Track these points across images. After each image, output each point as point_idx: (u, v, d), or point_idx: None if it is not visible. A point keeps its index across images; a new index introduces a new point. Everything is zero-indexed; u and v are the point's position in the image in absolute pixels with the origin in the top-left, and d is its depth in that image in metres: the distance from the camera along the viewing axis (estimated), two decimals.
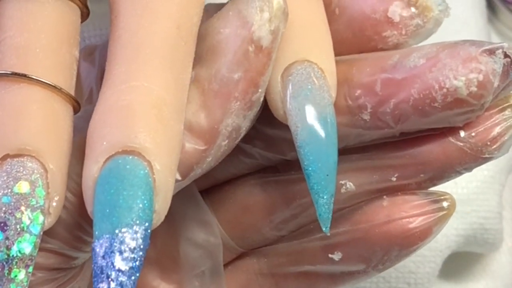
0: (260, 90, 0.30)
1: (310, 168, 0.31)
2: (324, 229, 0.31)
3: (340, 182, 0.34)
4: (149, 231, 0.26)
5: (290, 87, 0.30)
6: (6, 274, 0.26)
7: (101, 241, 0.26)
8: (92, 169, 0.27)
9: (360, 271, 0.36)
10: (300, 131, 0.31)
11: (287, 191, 0.36)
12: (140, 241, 0.26)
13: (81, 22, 0.29)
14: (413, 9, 0.31)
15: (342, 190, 0.34)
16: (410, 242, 0.34)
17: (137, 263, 0.26)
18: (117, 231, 0.26)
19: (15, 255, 0.26)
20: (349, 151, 0.34)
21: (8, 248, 0.26)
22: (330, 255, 0.36)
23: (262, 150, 0.35)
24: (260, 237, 0.37)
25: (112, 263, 0.25)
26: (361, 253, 0.35)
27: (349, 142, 0.33)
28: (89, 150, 0.27)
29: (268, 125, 0.31)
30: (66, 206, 0.28)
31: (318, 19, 0.31)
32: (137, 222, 0.26)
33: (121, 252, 0.26)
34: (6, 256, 0.26)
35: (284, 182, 0.36)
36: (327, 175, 0.31)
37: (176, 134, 0.28)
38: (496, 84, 0.30)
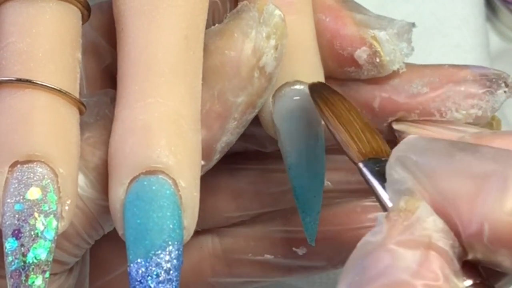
0: (256, 111, 0.30)
1: (298, 189, 0.32)
2: (310, 241, 0.33)
3: None
4: (181, 250, 0.26)
5: (282, 108, 0.31)
6: (23, 281, 0.26)
7: (136, 265, 0.26)
8: (118, 191, 0.27)
9: (319, 267, 0.36)
10: (290, 154, 0.31)
11: (257, 180, 0.36)
12: (174, 261, 0.26)
13: (82, 23, 0.29)
14: (377, 60, 0.32)
15: None
16: None
17: (174, 284, 0.26)
18: (151, 254, 0.26)
19: (31, 262, 0.26)
20: (331, 151, 0.34)
21: (24, 255, 0.26)
22: (294, 249, 0.36)
23: (241, 141, 0.35)
24: (220, 219, 0.37)
25: (150, 287, 0.26)
26: (327, 252, 0.36)
27: (331, 142, 0.34)
28: (113, 171, 0.27)
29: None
30: None
31: (309, 39, 0.32)
32: (169, 242, 0.26)
33: (157, 275, 0.26)
34: (22, 263, 0.26)
35: (255, 170, 0.36)
36: (315, 196, 0.32)
37: (196, 146, 0.28)
38: (489, 117, 0.32)
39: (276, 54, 0.29)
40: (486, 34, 0.57)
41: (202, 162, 0.29)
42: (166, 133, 0.27)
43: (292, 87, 0.31)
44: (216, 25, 0.30)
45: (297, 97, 0.31)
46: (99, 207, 0.29)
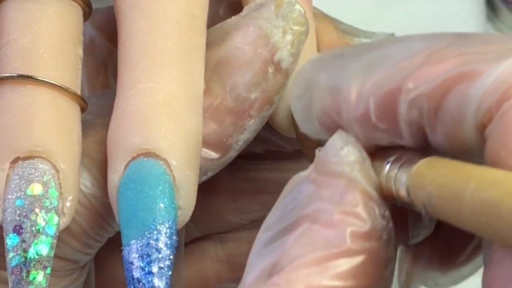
0: (273, 107, 0.30)
1: None
2: None
3: None
4: (174, 228, 0.26)
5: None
6: (24, 277, 0.26)
7: (128, 247, 0.26)
8: (114, 179, 0.27)
9: None
10: None
11: (256, 183, 0.36)
12: (166, 240, 0.26)
13: (84, 21, 0.29)
14: None
15: None
16: None
17: (167, 262, 0.26)
18: (142, 234, 0.26)
19: (32, 257, 0.26)
20: None
21: (25, 250, 0.26)
22: None
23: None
24: (221, 222, 0.37)
25: (142, 267, 0.26)
26: None
27: None
28: (109, 160, 0.27)
29: None
30: (75, 218, 0.28)
31: (314, 33, 0.31)
32: (161, 221, 0.26)
33: (149, 255, 0.26)
34: (23, 259, 0.26)
35: (255, 172, 0.36)
36: None
37: (191, 126, 0.27)
38: None
39: (293, 50, 0.29)
40: None
41: (215, 155, 0.29)
42: (156, 115, 0.27)
43: None
44: (233, 17, 0.30)
45: None
46: (105, 204, 0.28)
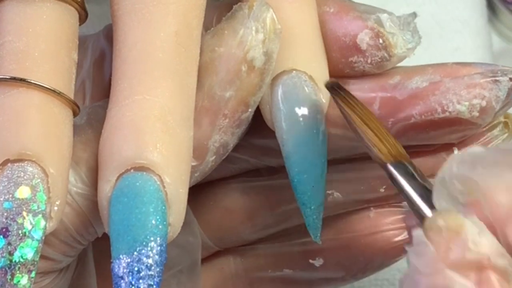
0: (250, 110, 0.30)
1: (296, 179, 0.31)
2: (313, 238, 0.32)
3: (327, 192, 0.34)
4: (164, 245, 0.26)
5: (277, 97, 0.31)
6: (9, 280, 0.26)
7: (118, 261, 0.26)
8: (105, 189, 0.27)
9: (339, 278, 0.36)
10: (286, 142, 0.31)
11: (270, 198, 0.36)
12: (156, 257, 0.26)
13: (80, 24, 0.29)
14: (380, 41, 0.32)
15: (329, 199, 0.35)
16: (393, 254, 0.35)
17: (156, 279, 0.26)
18: (132, 250, 0.26)
19: (17, 261, 0.26)
20: (336, 161, 0.34)
21: (11, 253, 0.26)
22: (311, 261, 0.36)
23: (248, 157, 0.35)
24: (239, 239, 0.37)
25: (131, 283, 0.26)
26: (343, 261, 0.35)
27: (342, 154, 0.34)
28: (101, 169, 0.27)
29: (255, 134, 0.32)
30: None
31: (309, 27, 0.31)
32: (151, 238, 0.26)
33: (138, 271, 0.26)
34: (8, 262, 0.26)
35: (268, 188, 0.36)
36: (313, 186, 0.31)
37: (184, 142, 0.28)
38: (497, 109, 0.31)
39: (265, 49, 0.29)
40: (489, 36, 0.57)
41: (194, 162, 0.29)
42: (152, 130, 0.27)
43: (289, 75, 0.31)
44: (213, 28, 0.30)
45: (294, 85, 0.31)
46: (89, 202, 0.29)
